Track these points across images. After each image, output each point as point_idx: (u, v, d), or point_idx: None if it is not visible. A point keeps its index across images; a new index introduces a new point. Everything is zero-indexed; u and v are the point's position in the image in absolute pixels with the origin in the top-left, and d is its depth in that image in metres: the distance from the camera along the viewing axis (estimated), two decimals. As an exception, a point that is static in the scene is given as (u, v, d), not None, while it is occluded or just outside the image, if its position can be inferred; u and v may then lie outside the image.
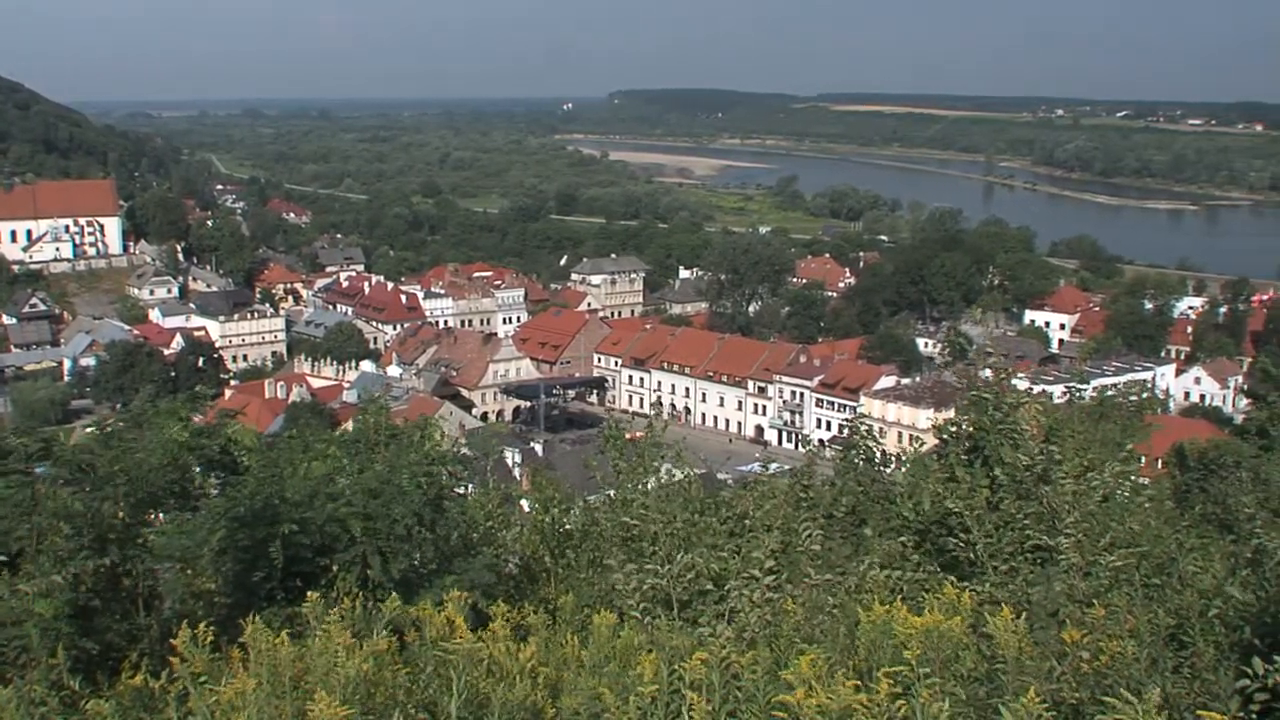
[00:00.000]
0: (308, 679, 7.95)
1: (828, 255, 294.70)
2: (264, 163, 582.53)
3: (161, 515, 13.31)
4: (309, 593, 9.19)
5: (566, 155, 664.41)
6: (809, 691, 6.68)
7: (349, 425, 17.72)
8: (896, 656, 7.44)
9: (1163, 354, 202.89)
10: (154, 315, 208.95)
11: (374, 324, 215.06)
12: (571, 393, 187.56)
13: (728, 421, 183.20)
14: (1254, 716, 7.50)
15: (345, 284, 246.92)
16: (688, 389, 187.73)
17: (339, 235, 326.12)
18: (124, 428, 14.00)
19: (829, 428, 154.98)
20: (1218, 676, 8.11)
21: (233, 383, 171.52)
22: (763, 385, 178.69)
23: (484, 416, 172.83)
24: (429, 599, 10.28)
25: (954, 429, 13.92)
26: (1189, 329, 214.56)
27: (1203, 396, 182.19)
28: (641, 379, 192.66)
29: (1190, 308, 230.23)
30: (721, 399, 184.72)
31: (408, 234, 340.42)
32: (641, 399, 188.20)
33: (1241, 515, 14.10)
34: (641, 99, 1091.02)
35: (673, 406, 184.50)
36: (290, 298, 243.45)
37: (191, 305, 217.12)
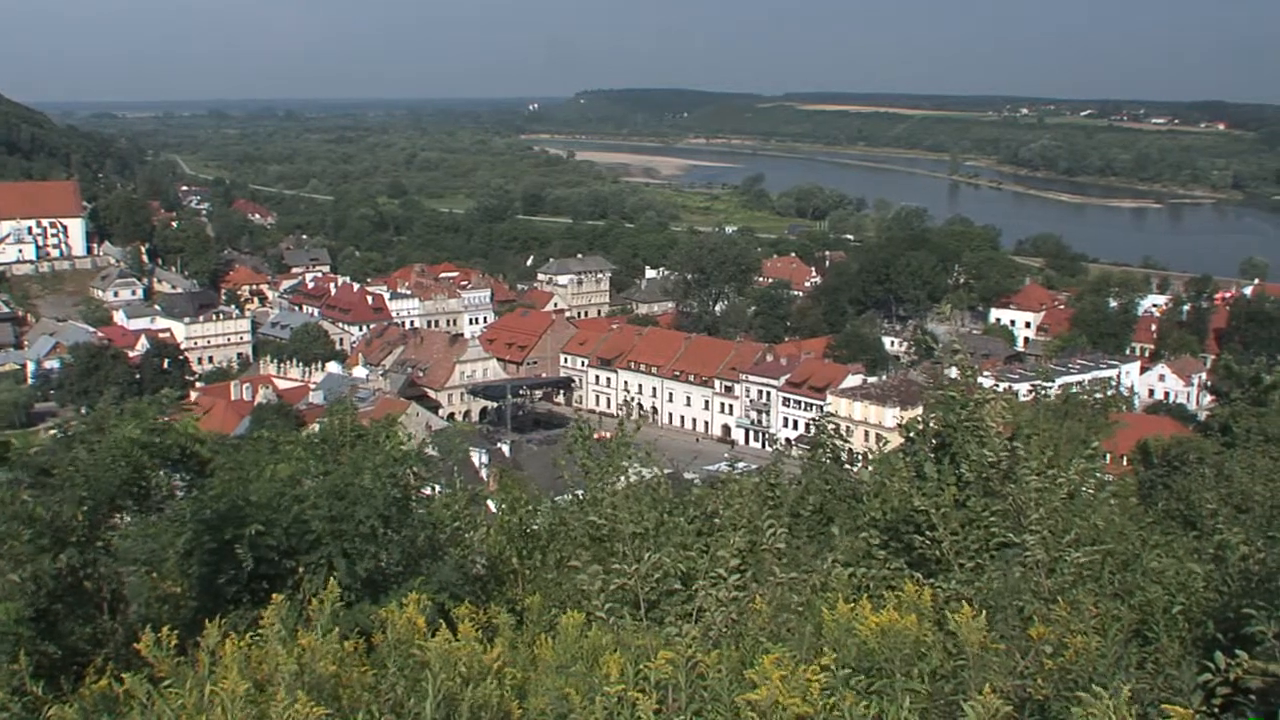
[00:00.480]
0: (274, 681, 7.92)
1: (794, 254, 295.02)
2: (229, 164, 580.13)
3: (124, 517, 13.24)
4: (274, 595, 9.15)
5: (533, 155, 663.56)
6: (773, 689, 6.69)
7: (315, 427, 17.65)
8: (860, 654, 7.47)
9: (1127, 351, 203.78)
10: (118, 317, 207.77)
11: (340, 325, 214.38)
12: (538, 393, 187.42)
13: (694, 421, 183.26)
14: (1216, 710, 7.55)
15: (311, 285, 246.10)
16: (654, 389, 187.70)
17: (305, 236, 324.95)
18: (85, 430, 13.93)
19: (796, 427, 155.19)
20: (1181, 671, 8.15)
21: (198, 385, 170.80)
22: (729, 385, 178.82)
23: (451, 417, 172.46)
24: (395, 600, 10.26)
25: (920, 427, 13.97)
26: (1153, 327, 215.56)
27: (1167, 394, 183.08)
28: (608, 379, 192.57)
29: (1154, 305, 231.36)
30: (688, 398, 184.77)
31: (374, 235, 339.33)
32: (608, 399, 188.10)
33: (1204, 511, 14.21)
34: (607, 99, 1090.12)
35: (640, 406, 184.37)
36: (256, 299, 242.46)
37: (156, 307, 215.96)
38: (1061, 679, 8.28)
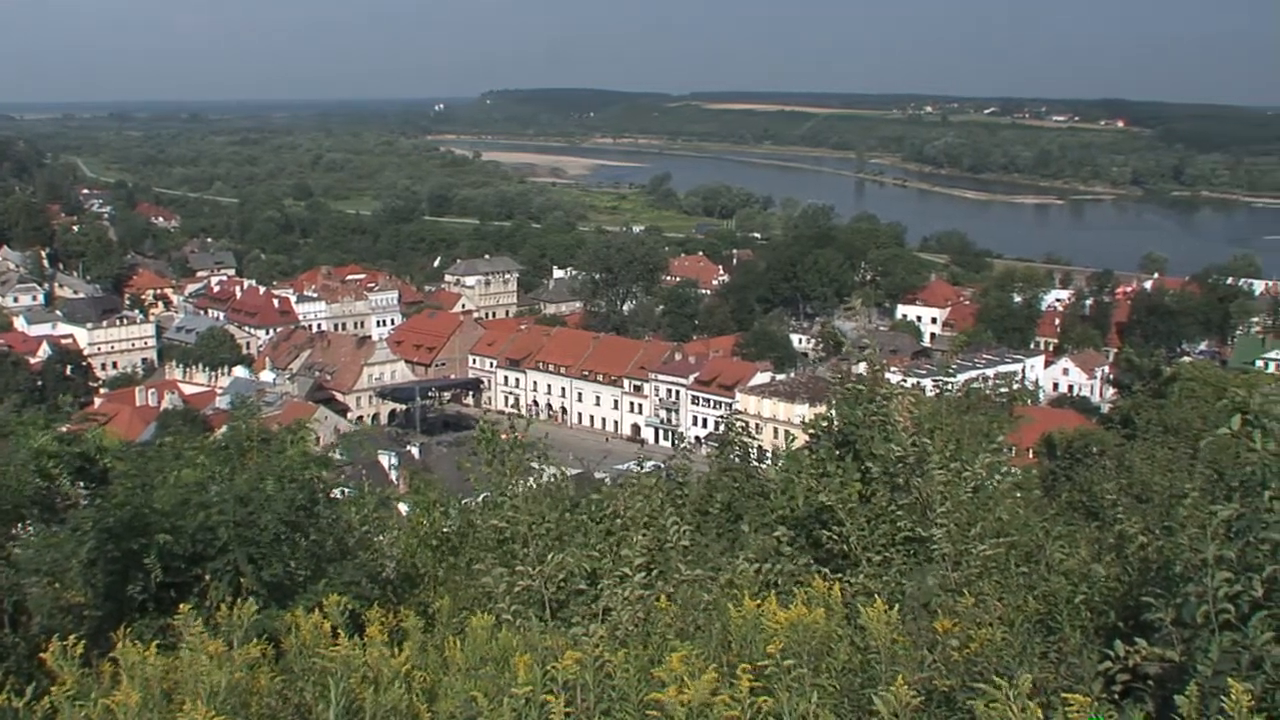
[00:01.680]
0: (180, 691, 7.86)
1: (701, 253, 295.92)
2: (132, 166, 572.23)
3: (23, 528, 13.08)
4: (180, 603, 9.07)
5: (439, 156, 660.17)
6: (680, 688, 6.73)
7: (222, 432, 17.50)
8: (769, 650, 7.52)
9: (1032, 346, 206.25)
10: (19, 323, 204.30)
11: (246, 329, 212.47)
12: (447, 395, 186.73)
13: (604, 420, 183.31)
14: (1116, 696, 7.69)
15: (217, 289, 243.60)
16: (563, 389, 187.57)
17: (210, 239, 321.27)
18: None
19: (705, 425, 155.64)
20: (1083, 660, 8.29)
21: (102, 391, 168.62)
22: (638, 384, 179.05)
23: (359, 420, 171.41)
24: (302, 605, 10.21)
25: (825, 423, 14.09)
26: (1057, 321, 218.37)
27: (1071, 387, 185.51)
28: (517, 380, 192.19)
29: (1058, 300, 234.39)
30: (597, 398, 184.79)
31: (280, 237, 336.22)
32: (517, 399, 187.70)
33: (1105, 502, 14.43)
34: (514, 99, 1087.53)
35: (549, 406, 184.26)
36: (160, 303, 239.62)
37: (58, 312, 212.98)
38: (968, 670, 8.40)
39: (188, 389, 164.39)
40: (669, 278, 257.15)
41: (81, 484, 14.00)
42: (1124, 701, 7.61)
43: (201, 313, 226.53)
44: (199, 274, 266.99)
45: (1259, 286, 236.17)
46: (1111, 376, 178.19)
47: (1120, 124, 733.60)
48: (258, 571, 12.09)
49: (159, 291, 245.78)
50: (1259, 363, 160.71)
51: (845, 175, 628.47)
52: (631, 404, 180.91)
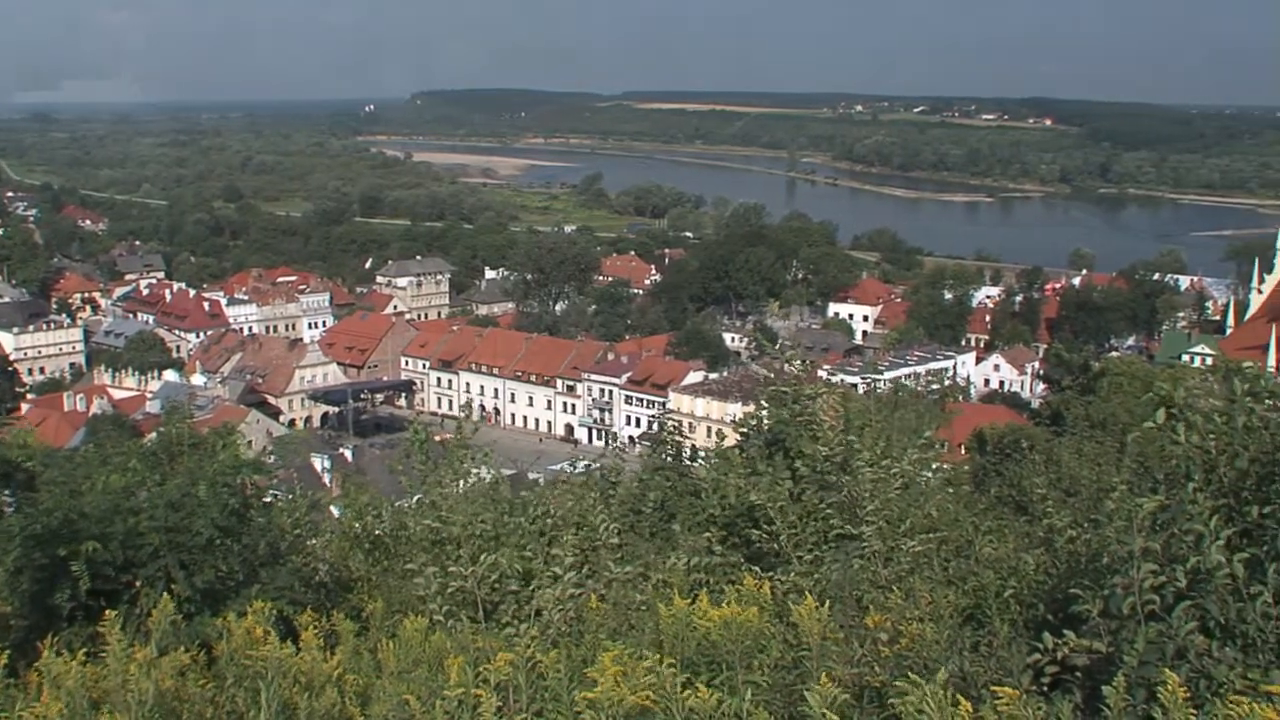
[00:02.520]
0: (109, 700, 7.80)
1: (633, 253, 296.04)
2: (57, 168, 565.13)
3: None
4: (107, 611, 9.00)
5: (370, 157, 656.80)
6: (612, 687, 6.76)
7: (152, 436, 17.36)
8: (700, 649, 7.56)
9: (963, 342, 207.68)
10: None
11: (176, 332, 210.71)
12: (380, 397, 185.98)
13: (537, 421, 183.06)
14: (1045, 688, 7.77)
15: (146, 292, 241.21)
16: (496, 390, 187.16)
17: (138, 242, 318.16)
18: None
19: (638, 424, 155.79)
20: (1011, 652, 8.38)
21: (29, 396, 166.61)
22: (571, 384, 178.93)
23: (291, 423, 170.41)
24: (235, 610, 10.15)
25: (756, 422, 14.16)
26: (987, 318, 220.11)
27: (1001, 383, 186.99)
28: (450, 381, 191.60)
29: (988, 297, 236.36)
30: (530, 399, 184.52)
31: (209, 240, 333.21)
32: (450, 401, 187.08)
33: (1034, 496, 14.57)
34: (444, 100, 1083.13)
35: (482, 407, 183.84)
36: (88, 307, 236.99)
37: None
38: (897, 665, 8.47)
39: (117, 394, 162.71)
40: (601, 278, 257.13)
41: (6, 491, 13.86)
42: (1053, 693, 7.69)
43: (130, 316, 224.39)
44: (127, 277, 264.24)
45: (1184, 282, 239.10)
46: (1041, 372, 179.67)
47: (1048, 122, 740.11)
48: (189, 577, 12.01)
49: (87, 295, 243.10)
50: (1185, 357, 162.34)
51: (776, 174, 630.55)
52: (565, 404, 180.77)
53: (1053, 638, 7.87)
